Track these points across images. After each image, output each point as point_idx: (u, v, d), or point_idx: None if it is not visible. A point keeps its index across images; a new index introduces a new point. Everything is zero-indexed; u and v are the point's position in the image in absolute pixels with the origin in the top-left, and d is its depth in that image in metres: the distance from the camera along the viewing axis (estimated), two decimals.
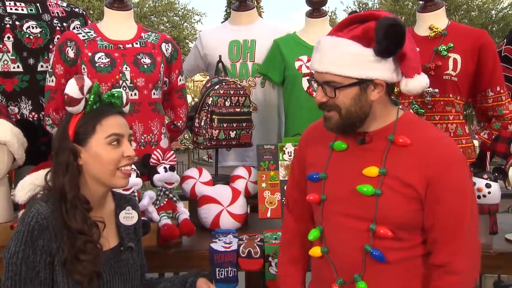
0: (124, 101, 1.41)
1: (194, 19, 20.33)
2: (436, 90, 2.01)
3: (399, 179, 1.23)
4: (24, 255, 1.19)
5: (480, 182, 1.81)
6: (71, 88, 1.29)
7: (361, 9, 22.00)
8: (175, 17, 20.07)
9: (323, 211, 1.36)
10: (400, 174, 1.23)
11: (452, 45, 2.02)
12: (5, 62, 2.06)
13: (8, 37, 2.05)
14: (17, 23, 2.07)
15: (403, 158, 1.24)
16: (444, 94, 2.03)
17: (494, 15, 18.58)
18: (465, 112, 2.21)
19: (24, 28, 2.08)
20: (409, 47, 1.24)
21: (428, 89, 2.00)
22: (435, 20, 2.11)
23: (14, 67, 2.08)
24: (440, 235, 1.23)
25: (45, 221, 1.22)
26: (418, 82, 1.27)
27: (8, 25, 2.05)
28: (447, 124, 2.06)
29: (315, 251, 1.38)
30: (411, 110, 1.96)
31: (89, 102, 1.31)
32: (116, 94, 1.38)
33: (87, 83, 1.32)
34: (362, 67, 1.21)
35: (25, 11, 2.11)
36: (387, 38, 1.17)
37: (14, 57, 2.07)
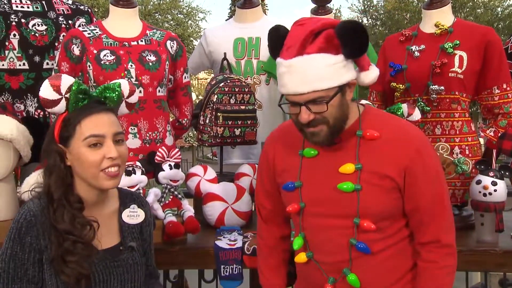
0: (126, 91, 1.35)
1: (198, 17, 20.35)
2: (442, 87, 2.00)
3: (376, 172, 1.28)
4: (12, 252, 1.19)
5: (486, 180, 1.80)
6: (45, 90, 1.25)
7: (365, 6, 21.93)
8: (179, 15, 20.08)
9: (303, 218, 1.38)
10: (376, 167, 1.28)
11: (458, 42, 2.01)
12: (11, 60, 2.07)
13: (14, 35, 2.06)
14: (23, 20, 2.08)
15: (375, 151, 1.29)
16: (450, 92, 2.02)
17: (500, 12, 18.48)
18: (470, 110, 2.20)
19: (30, 25, 2.09)
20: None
21: (433, 86, 2.00)
22: (441, 17, 2.10)
23: (20, 65, 2.08)
24: (424, 216, 1.30)
25: (34, 218, 1.21)
26: (375, 72, 1.32)
27: (14, 23, 2.06)
28: (453, 122, 2.05)
29: (301, 257, 1.40)
30: (417, 108, 1.95)
31: (70, 102, 1.26)
32: (111, 86, 1.32)
33: (65, 82, 1.26)
34: (340, 74, 1.25)
35: (30, 9, 2.12)
36: (356, 39, 1.21)
37: (20, 55, 2.07)
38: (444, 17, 2.11)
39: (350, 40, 1.21)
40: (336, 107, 1.26)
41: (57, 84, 1.25)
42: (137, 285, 1.37)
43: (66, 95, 1.26)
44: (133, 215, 1.39)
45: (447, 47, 2.02)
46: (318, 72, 1.22)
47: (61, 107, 1.27)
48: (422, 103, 2.05)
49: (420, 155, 1.28)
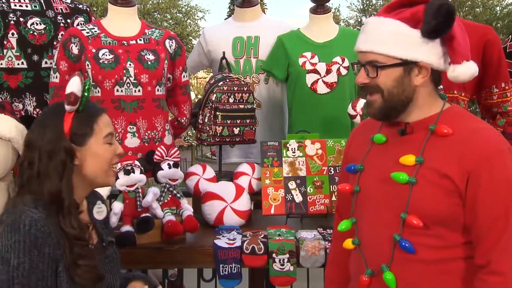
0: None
1: (197, 16, 20.34)
2: (441, 86, 1.99)
3: (436, 170, 1.18)
4: (32, 265, 1.13)
5: None
6: (77, 86, 1.24)
7: (364, 5, 21.93)
8: (178, 14, 20.07)
9: (356, 203, 1.35)
10: (438, 164, 1.18)
11: None
12: (10, 59, 2.07)
13: (13, 34, 2.05)
14: (21, 19, 2.08)
15: (442, 149, 1.19)
16: (448, 91, 2.02)
17: (498, 12, 18.50)
18: (469, 109, 2.20)
19: (28, 24, 2.08)
20: (459, 33, 1.20)
21: None
22: None
23: (18, 64, 2.08)
24: (480, 232, 1.15)
25: (46, 227, 1.16)
26: (467, 69, 1.21)
27: (12, 22, 2.06)
28: None
29: (348, 243, 1.36)
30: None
31: (83, 100, 1.27)
32: (87, 87, 1.30)
33: (82, 80, 1.28)
34: (407, 48, 1.19)
35: (29, 8, 2.11)
36: (436, 18, 1.14)
37: (18, 54, 2.07)
38: None
39: (431, 18, 1.14)
40: (393, 81, 1.21)
41: (83, 82, 1.26)
42: (119, 275, 1.42)
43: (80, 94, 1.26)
44: (100, 211, 1.41)
45: None
46: (384, 35, 1.20)
47: (77, 105, 1.27)
48: None
49: (489, 162, 1.14)
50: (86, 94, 1.27)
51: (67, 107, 1.26)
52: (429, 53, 1.20)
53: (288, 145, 2.13)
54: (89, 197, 1.41)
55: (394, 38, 1.20)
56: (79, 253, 1.21)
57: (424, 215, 1.18)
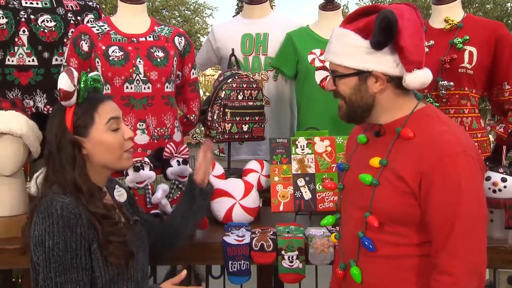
0: (102, 81, 1.43)
1: (205, 13, 20.38)
2: (451, 83, 1.99)
3: (394, 172, 1.24)
4: (66, 245, 1.20)
5: (495, 177, 1.78)
6: (64, 82, 1.28)
7: (373, 1, 21.79)
8: (186, 11, 20.11)
9: (341, 200, 1.45)
10: (396, 166, 1.24)
11: (468, 37, 2.00)
12: (21, 56, 2.08)
13: (24, 31, 2.07)
14: (32, 17, 2.09)
15: (404, 152, 1.24)
16: (459, 88, 2.01)
17: (509, 8, 18.29)
18: (479, 106, 2.18)
19: (39, 21, 2.09)
20: (410, 41, 1.22)
21: (443, 82, 1.98)
22: (451, 13, 2.09)
23: (29, 61, 2.10)
24: (432, 233, 1.20)
25: (77, 209, 1.23)
26: (416, 77, 1.23)
27: (23, 19, 2.07)
28: (462, 118, 2.04)
29: (332, 237, 1.51)
30: None
31: (81, 93, 1.31)
32: (96, 78, 1.37)
33: (76, 74, 1.31)
34: (360, 59, 1.25)
35: (39, 5, 2.13)
36: (379, 31, 1.19)
37: (29, 51, 2.09)
38: (453, 12, 2.09)
39: (376, 30, 1.19)
40: (350, 89, 1.28)
41: (73, 76, 1.29)
42: (148, 252, 1.48)
43: (77, 87, 1.30)
44: (120, 194, 1.47)
45: (457, 42, 2.00)
46: (339, 46, 1.28)
47: (74, 98, 1.30)
48: (431, 99, 2.04)
49: (441, 165, 1.17)
50: (82, 86, 1.31)
51: (63, 103, 1.31)
52: (380, 62, 1.24)
53: (297, 142, 2.12)
54: (107, 183, 1.46)
55: (348, 50, 1.26)
56: (109, 230, 1.28)
57: (383, 214, 1.26)
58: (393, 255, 1.26)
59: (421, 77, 1.24)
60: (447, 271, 1.17)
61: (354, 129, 1.53)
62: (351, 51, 1.25)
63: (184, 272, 1.47)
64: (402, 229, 1.25)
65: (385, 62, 1.24)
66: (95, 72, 1.41)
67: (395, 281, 1.27)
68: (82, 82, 1.31)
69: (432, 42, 2.04)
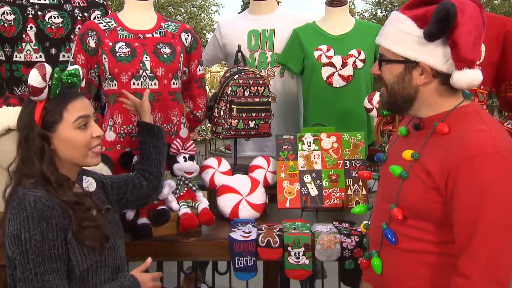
0: (81, 76, 1.42)
1: (211, 10, 20.34)
2: None
3: (423, 166, 1.21)
4: (43, 236, 1.22)
5: None
6: (34, 78, 1.28)
7: None
8: (192, 8, 20.08)
9: (377, 190, 1.45)
10: (426, 161, 1.21)
11: None
12: (28, 52, 2.09)
13: (31, 27, 2.07)
14: (39, 13, 2.09)
15: (437, 147, 1.21)
16: None
17: None
18: (487, 103, 2.16)
19: (46, 18, 2.10)
20: (467, 38, 1.16)
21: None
22: None
23: (36, 57, 2.10)
24: (455, 233, 1.16)
25: (50, 201, 1.25)
26: (465, 76, 1.17)
27: (30, 15, 2.07)
28: None
29: (362, 227, 1.54)
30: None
31: (52, 89, 1.31)
32: (73, 72, 1.37)
33: (49, 70, 1.31)
34: (410, 47, 1.21)
35: (47, 1, 2.13)
36: (434, 21, 1.14)
37: (36, 47, 2.09)
38: None
39: (432, 20, 1.15)
40: (394, 77, 1.25)
41: (44, 72, 1.29)
42: (124, 239, 1.51)
43: (48, 83, 1.31)
44: (89, 183, 1.47)
45: None
46: (391, 31, 1.25)
47: (45, 94, 1.31)
48: None
49: (469, 163, 1.12)
50: (54, 82, 1.31)
51: (32, 98, 1.32)
52: (430, 55, 1.20)
53: (303, 138, 2.12)
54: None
55: (400, 36, 1.22)
56: (82, 216, 1.30)
57: (408, 208, 1.25)
58: (413, 249, 1.25)
59: (469, 76, 1.18)
60: (464, 273, 1.14)
61: (403, 120, 1.50)
62: (403, 37, 1.22)
63: (149, 259, 1.49)
64: (424, 224, 1.23)
65: (435, 56, 1.19)
66: (74, 66, 1.41)
67: (411, 275, 1.26)
68: (54, 79, 1.31)
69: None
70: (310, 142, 2.12)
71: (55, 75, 1.31)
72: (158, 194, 1.78)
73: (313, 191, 2.06)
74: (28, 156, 1.31)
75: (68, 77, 1.35)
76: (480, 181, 1.11)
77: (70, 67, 1.39)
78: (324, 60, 2.44)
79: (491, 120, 1.23)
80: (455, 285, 1.16)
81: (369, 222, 1.46)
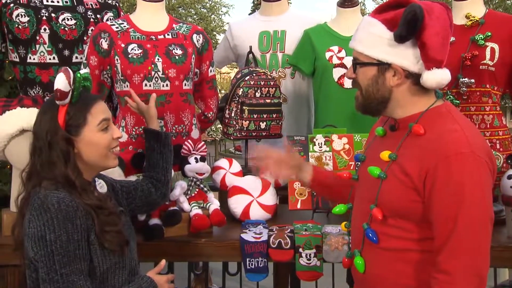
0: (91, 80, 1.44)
1: (221, 11, 20.39)
2: (472, 80, 1.96)
3: (402, 166, 1.24)
4: (69, 236, 1.23)
5: None
6: (61, 82, 1.29)
7: None
8: (202, 9, 20.14)
9: (354, 190, 1.47)
10: (403, 161, 1.25)
11: (489, 34, 1.96)
12: (42, 54, 2.11)
13: (45, 29, 2.09)
14: (53, 15, 2.11)
15: (413, 148, 1.24)
16: (480, 85, 1.98)
17: None
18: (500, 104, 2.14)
19: (60, 20, 2.12)
20: (435, 39, 1.21)
21: (463, 79, 1.95)
22: (472, 9, 2.05)
23: (50, 59, 2.12)
24: (434, 231, 1.20)
25: (73, 202, 1.26)
26: (433, 76, 1.22)
27: (44, 17, 2.09)
28: (483, 116, 2.00)
29: (342, 226, 1.54)
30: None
31: (75, 93, 1.33)
32: (86, 76, 1.38)
33: (72, 74, 1.32)
34: (382, 50, 1.25)
35: (60, 3, 2.15)
36: (404, 23, 1.18)
37: (50, 49, 2.11)
38: (475, 8, 2.06)
39: (401, 22, 1.19)
40: (368, 79, 1.29)
41: (70, 76, 1.31)
42: (135, 241, 1.52)
43: (72, 87, 1.32)
44: (101, 186, 1.48)
45: (478, 39, 1.97)
46: (364, 35, 1.29)
47: (68, 98, 1.33)
48: (451, 96, 2.01)
49: (446, 163, 1.16)
50: (77, 85, 1.33)
51: (57, 102, 1.33)
52: (401, 56, 1.24)
53: (314, 139, 2.11)
54: None
55: (372, 39, 1.26)
56: (105, 220, 1.31)
57: (387, 208, 1.27)
58: (395, 248, 1.27)
59: (438, 76, 1.23)
60: (445, 269, 1.17)
61: (378, 120, 1.52)
62: (375, 40, 1.25)
63: (163, 261, 1.50)
64: (405, 223, 1.26)
65: (405, 57, 1.23)
66: (85, 70, 1.42)
67: (395, 273, 1.28)
68: (76, 82, 1.33)
69: (453, 38, 2.01)
70: (321, 143, 2.11)
71: (77, 79, 1.33)
72: (166, 201, 1.78)
73: None
74: (50, 160, 1.31)
75: (82, 81, 1.36)
76: (457, 180, 1.15)
77: (82, 71, 1.39)
78: (335, 61, 2.43)
79: (463, 119, 1.29)
80: (436, 281, 1.18)
81: (349, 223, 1.48)
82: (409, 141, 1.27)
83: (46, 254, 1.22)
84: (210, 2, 20.07)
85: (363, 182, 1.40)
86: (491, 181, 1.21)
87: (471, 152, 1.16)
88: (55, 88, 1.30)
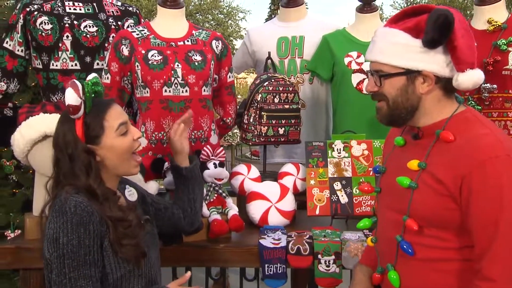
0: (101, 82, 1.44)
1: (238, 17, 20.49)
2: (494, 86, 1.93)
3: (434, 175, 1.22)
4: (80, 241, 1.24)
5: None
6: (71, 97, 1.29)
7: (408, 3, 21.39)
8: (219, 15, 20.28)
9: (378, 203, 1.44)
10: (435, 169, 1.22)
11: None
12: (64, 60, 2.15)
13: (67, 36, 2.13)
14: (75, 22, 2.15)
15: (444, 155, 1.22)
16: (503, 90, 1.95)
17: None
18: None
19: (82, 27, 2.15)
20: (463, 41, 1.21)
21: (485, 85, 1.93)
22: (494, 13, 2.03)
23: (72, 65, 2.16)
24: (474, 238, 1.17)
25: (89, 207, 1.26)
26: (468, 77, 1.21)
27: (67, 25, 2.13)
28: (506, 121, 1.97)
29: (369, 241, 1.47)
30: None
31: (87, 103, 1.33)
32: (95, 81, 1.37)
33: (80, 86, 1.32)
34: (409, 58, 1.23)
35: (82, 11, 2.19)
36: (434, 28, 1.17)
37: (72, 56, 2.15)
38: (497, 13, 2.03)
39: (430, 28, 1.18)
40: (397, 90, 1.26)
41: (78, 89, 1.31)
42: (159, 249, 1.52)
43: (82, 98, 1.32)
44: (131, 193, 1.50)
45: (501, 44, 1.95)
46: (387, 45, 1.26)
47: (82, 110, 1.32)
48: (473, 102, 1.98)
49: (482, 168, 1.14)
50: (88, 95, 1.32)
51: (72, 117, 1.33)
52: (431, 62, 1.22)
53: (333, 145, 2.11)
54: (118, 185, 1.49)
55: (397, 48, 1.24)
56: (123, 232, 1.31)
57: (421, 218, 1.24)
58: (432, 258, 1.24)
59: (474, 76, 1.21)
60: (488, 276, 1.14)
61: (390, 131, 1.51)
62: (400, 49, 1.23)
63: (189, 273, 1.48)
64: (441, 232, 1.23)
65: (436, 62, 1.22)
66: (93, 74, 1.40)
67: (433, 284, 1.24)
68: (86, 92, 1.32)
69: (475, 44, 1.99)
70: (340, 149, 2.10)
71: (86, 90, 1.33)
72: (194, 229, 1.74)
73: (343, 199, 2.04)
74: (71, 172, 1.32)
75: (92, 87, 1.36)
76: (494, 183, 1.13)
77: (89, 76, 1.38)
78: (354, 66, 2.42)
79: (490, 123, 1.27)
80: None
81: (376, 237, 1.44)
82: (437, 148, 1.25)
83: (58, 256, 1.24)
84: (227, 8, 20.20)
85: (389, 193, 1.37)
86: None
87: (506, 155, 1.15)
88: (66, 104, 1.30)
